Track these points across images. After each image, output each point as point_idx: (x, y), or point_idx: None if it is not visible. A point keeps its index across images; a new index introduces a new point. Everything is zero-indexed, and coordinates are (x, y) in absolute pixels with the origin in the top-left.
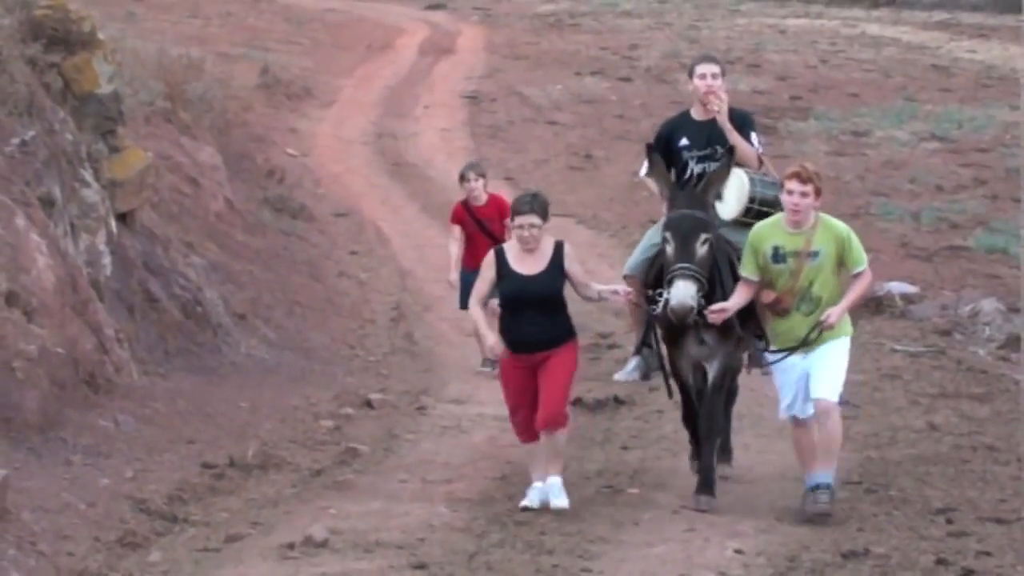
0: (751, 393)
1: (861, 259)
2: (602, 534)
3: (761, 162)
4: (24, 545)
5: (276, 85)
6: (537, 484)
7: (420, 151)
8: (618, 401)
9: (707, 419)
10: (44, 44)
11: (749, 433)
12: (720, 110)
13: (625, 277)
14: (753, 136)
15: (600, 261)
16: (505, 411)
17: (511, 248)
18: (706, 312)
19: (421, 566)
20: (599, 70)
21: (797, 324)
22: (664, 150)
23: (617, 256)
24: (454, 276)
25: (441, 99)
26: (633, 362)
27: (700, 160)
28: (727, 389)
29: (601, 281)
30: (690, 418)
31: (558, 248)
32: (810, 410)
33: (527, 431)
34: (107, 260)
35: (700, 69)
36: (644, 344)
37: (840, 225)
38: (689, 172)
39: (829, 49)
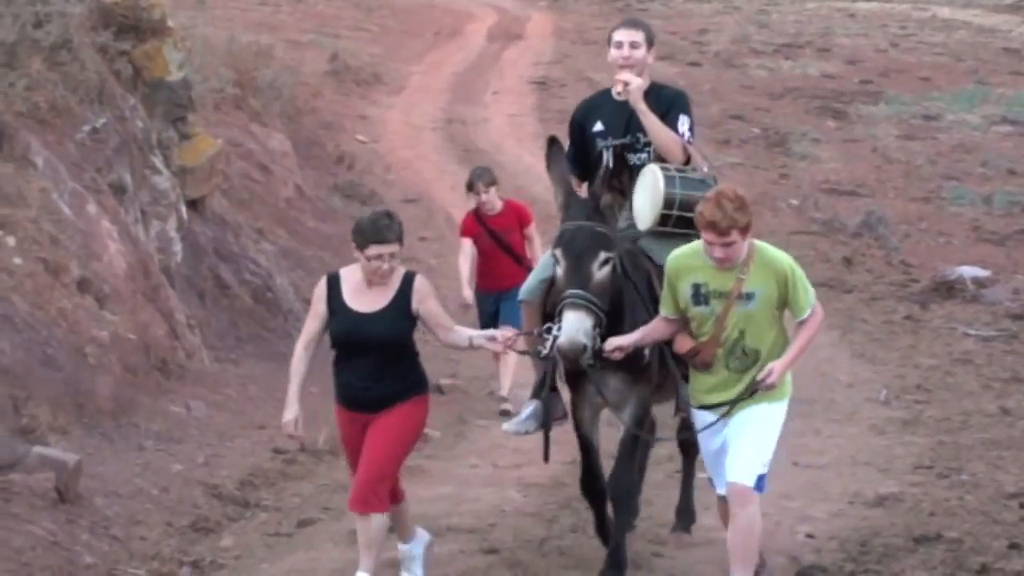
0: (822, 377)
1: (808, 302)
2: (672, 519)
3: (688, 155)
4: (97, 530)
5: (345, 72)
6: (401, 545)
7: (490, 137)
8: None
9: (614, 483)
10: (114, 32)
11: (820, 418)
12: (629, 91)
13: (521, 303)
14: (681, 121)
15: None
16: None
17: (349, 277)
18: (605, 350)
19: (492, 551)
20: (668, 55)
21: (724, 383)
22: (578, 138)
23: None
24: (468, 293)
25: (510, 85)
26: (530, 408)
27: (621, 150)
28: (642, 443)
29: None
30: (590, 484)
31: (406, 281)
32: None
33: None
34: (178, 247)
35: (617, 35)
36: (544, 386)
37: (782, 260)
38: (605, 165)
39: (899, 33)
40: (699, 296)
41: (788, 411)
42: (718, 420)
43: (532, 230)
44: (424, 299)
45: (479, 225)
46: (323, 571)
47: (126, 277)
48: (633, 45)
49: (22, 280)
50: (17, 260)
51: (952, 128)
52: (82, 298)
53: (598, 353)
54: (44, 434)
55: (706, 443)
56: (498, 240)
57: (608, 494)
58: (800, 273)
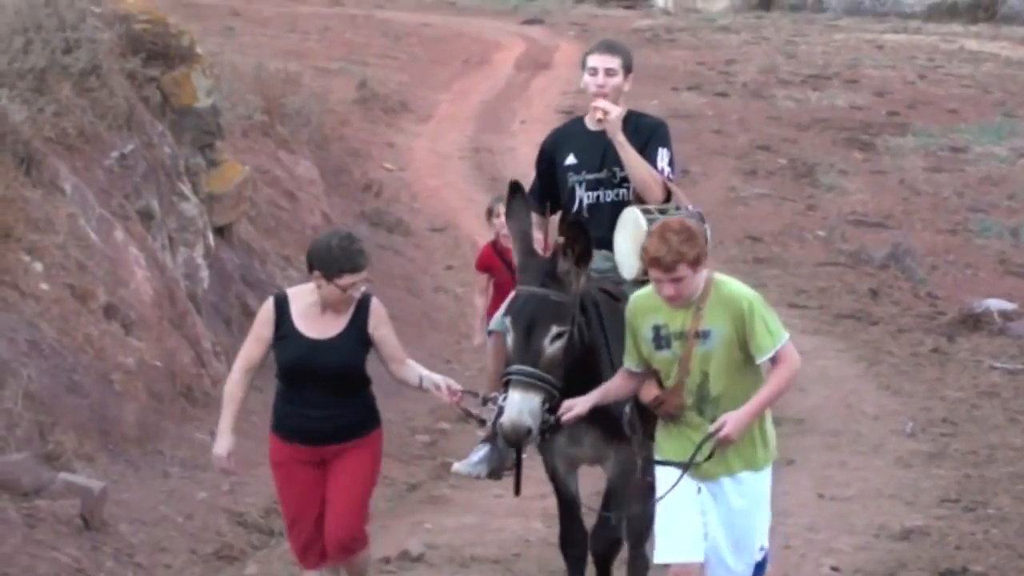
0: (847, 409)
1: (770, 341)
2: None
3: (669, 192)
4: (122, 557)
5: (373, 99)
6: None
7: (517, 166)
8: None
9: (594, 540)
10: (143, 58)
11: (846, 450)
12: (607, 121)
13: (490, 333)
14: (661, 155)
15: None
16: None
17: (299, 299)
18: (562, 420)
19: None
20: (696, 85)
21: (690, 438)
22: (547, 171)
23: (716, 268)
24: (479, 340)
25: (538, 114)
26: (482, 451)
27: (592, 186)
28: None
29: None
30: (571, 540)
31: (362, 304)
32: (697, 556)
33: (309, 552)
34: (205, 273)
35: (592, 61)
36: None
37: (741, 294)
38: (578, 202)
39: (927, 65)
40: (660, 339)
41: (815, 443)
42: (678, 481)
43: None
44: (380, 324)
45: (497, 258)
46: None
47: (153, 304)
48: (609, 72)
49: (49, 306)
50: (44, 286)
51: (979, 160)
52: (109, 324)
53: (554, 426)
54: (69, 460)
55: (669, 503)
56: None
57: (589, 549)
58: (761, 311)
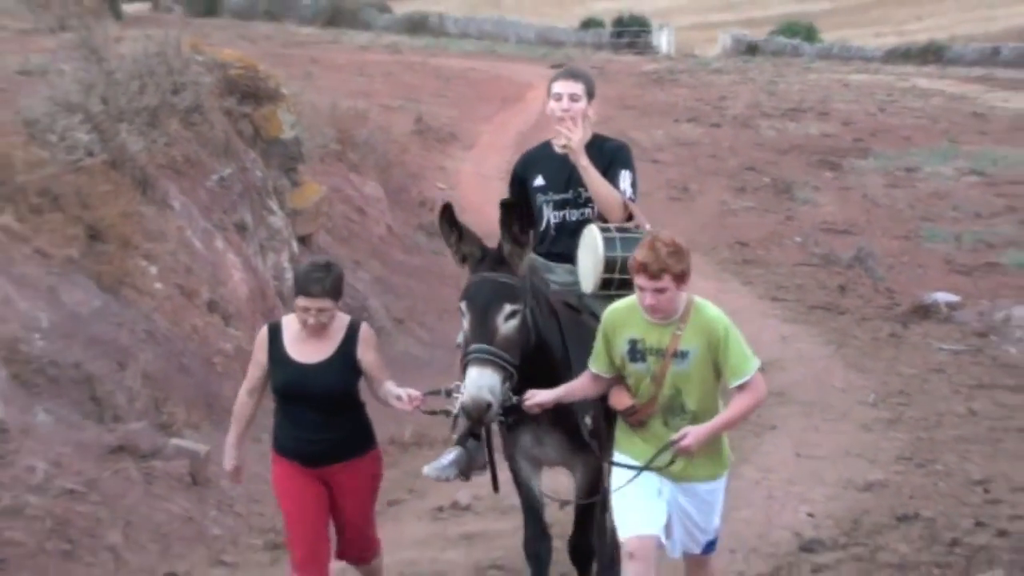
0: (819, 384)
1: (742, 367)
2: None
3: (630, 212)
4: (223, 507)
5: (427, 131)
6: None
7: None
8: None
9: (571, 548)
10: (238, 98)
11: (818, 417)
12: (570, 143)
13: (458, 346)
14: (623, 176)
15: (696, 275)
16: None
17: (290, 325)
18: (522, 403)
19: (549, 526)
20: (693, 118)
21: (656, 445)
22: (518, 192)
23: (710, 271)
24: None
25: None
26: (452, 454)
27: (558, 206)
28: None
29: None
30: (534, 544)
31: (351, 330)
32: (653, 530)
33: (308, 563)
34: (289, 275)
35: (556, 87)
36: (470, 434)
37: (717, 318)
38: (546, 222)
39: (885, 99)
40: (635, 352)
41: (793, 412)
42: (633, 478)
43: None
44: (367, 349)
45: None
46: (408, 540)
47: (247, 300)
48: (573, 97)
49: (162, 302)
50: (158, 285)
51: (928, 179)
52: (211, 317)
53: (513, 408)
54: (180, 429)
55: (634, 491)
56: None
57: (569, 557)
58: (736, 338)
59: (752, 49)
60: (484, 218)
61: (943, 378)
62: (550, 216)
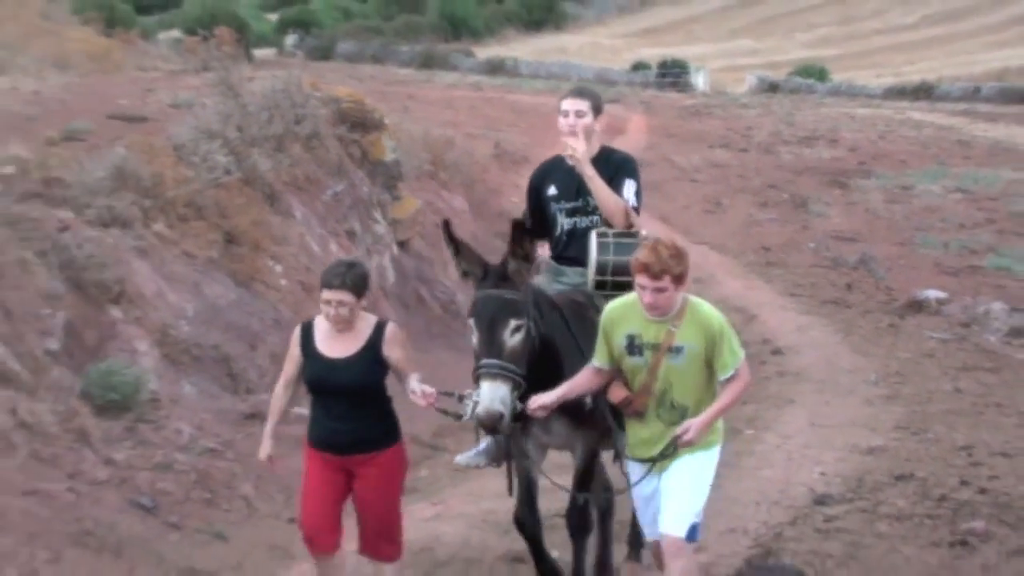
0: (830, 365)
1: (732, 362)
2: (726, 460)
3: (631, 218)
4: None
5: (504, 155)
6: None
7: None
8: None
9: (568, 517)
10: (348, 126)
11: (829, 393)
12: (575, 154)
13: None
14: (627, 185)
15: (727, 275)
16: None
17: (322, 323)
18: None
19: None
20: (725, 144)
21: (657, 434)
22: (535, 201)
23: (739, 271)
24: None
25: None
26: (483, 444)
27: (570, 214)
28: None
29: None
30: (526, 518)
31: (378, 329)
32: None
33: (315, 542)
34: (391, 273)
35: (564, 105)
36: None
37: (714, 317)
38: (559, 228)
39: (885, 129)
40: (633, 347)
41: (808, 388)
42: (646, 475)
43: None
44: (394, 348)
45: None
46: (489, 493)
47: None
48: (579, 113)
49: (286, 295)
50: (283, 281)
51: (921, 195)
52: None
53: (520, 414)
54: (299, 399)
55: (637, 490)
56: None
57: (566, 526)
58: (730, 334)
59: (774, 87)
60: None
61: (933, 361)
62: (563, 223)
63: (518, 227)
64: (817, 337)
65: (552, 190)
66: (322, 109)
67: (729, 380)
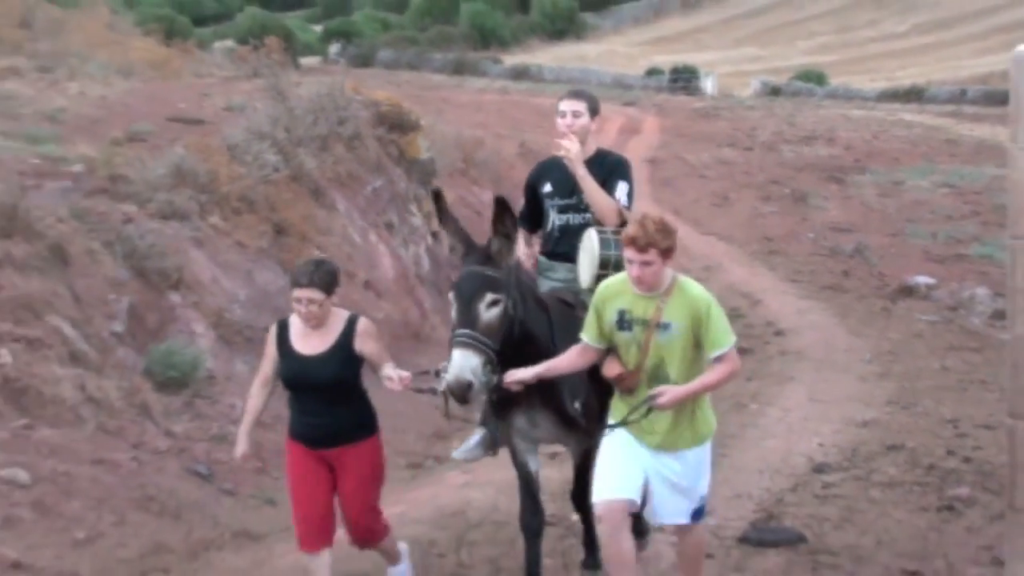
0: (828, 346)
1: (721, 340)
2: (733, 432)
3: (623, 218)
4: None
5: (529, 153)
6: (391, 568)
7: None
8: (743, 351)
9: (574, 496)
10: (387, 128)
11: (828, 371)
12: (569, 154)
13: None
14: (620, 186)
15: (733, 263)
16: None
17: (296, 321)
18: (504, 381)
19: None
20: (731, 143)
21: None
22: (531, 197)
23: (744, 259)
24: None
25: (632, 161)
26: (477, 435)
27: (562, 210)
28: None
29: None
30: (530, 517)
31: (350, 324)
32: (631, 495)
33: (310, 536)
34: (426, 261)
35: (562, 106)
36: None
37: (701, 295)
38: (552, 224)
39: (878, 129)
40: (623, 322)
41: (807, 367)
42: (622, 425)
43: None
44: (366, 342)
45: None
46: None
47: (393, 280)
48: (575, 114)
49: None
50: None
51: (911, 190)
52: (366, 293)
53: (496, 387)
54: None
55: (614, 451)
56: None
57: (573, 505)
58: (718, 314)
59: (776, 91)
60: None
61: (922, 342)
62: (556, 219)
63: (501, 204)
64: (816, 319)
65: (548, 187)
66: (363, 112)
67: (718, 361)
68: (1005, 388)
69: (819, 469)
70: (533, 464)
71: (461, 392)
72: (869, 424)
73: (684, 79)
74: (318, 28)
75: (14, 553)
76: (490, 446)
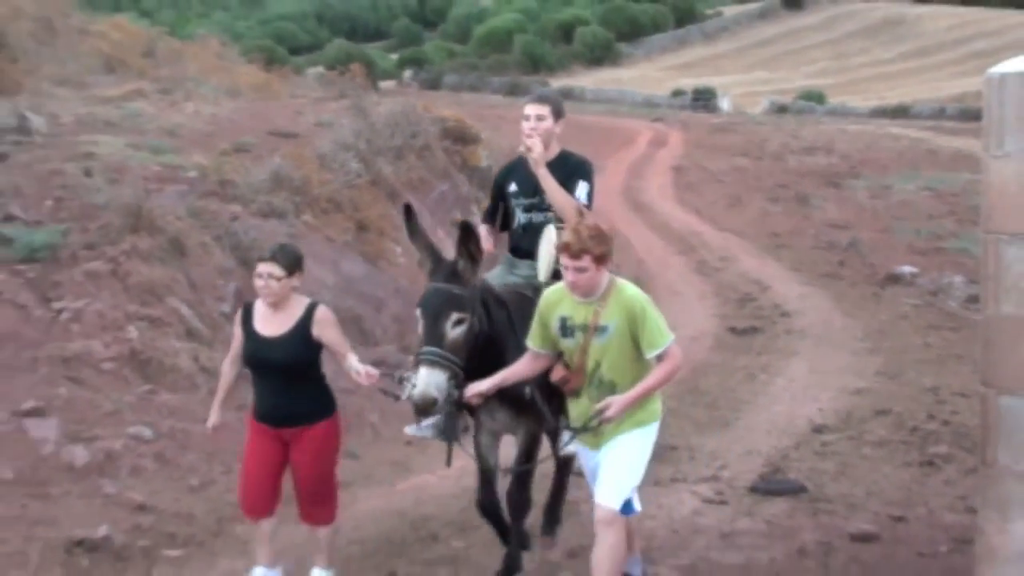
0: (826, 325)
1: (657, 340)
2: (745, 399)
3: (582, 216)
4: None
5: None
6: (257, 570)
7: (648, 196)
8: (754, 329)
9: (510, 503)
10: (452, 140)
11: (825, 347)
12: (530, 154)
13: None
14: (580, 186)
15: (745, 255)
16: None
17: (260, 304)
18: (465, 396)
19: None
20: (744, 153)
21: (587, 411)
22: (498, 196)
23: (755, 252)
24: None
25: (659, 169)
26: (432, 419)
27: (527, 209)
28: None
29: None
30: (486, 504)
31: (309, 310)
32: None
33: (252, 505)
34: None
35: (526, 110)
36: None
37: (636, 297)
38: (516, 222)
39: (870, 141)
40: (565, 328)
41: (808, 344)
42: (569, 441)
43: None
44: (324, 328)
45: None
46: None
47: None
48: (539, 117)
49: (404, 270)
50: (402, 260)
51: (898, 193)
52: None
53: (458, 400)
54: (414, 349)
55: (585, 464)
56: None
57: (507, 507)
58: (653, 314)
59: (782, 109)
60: (611, 214)
61: (907, 322)
62: (520, 217)
63: (465, 228)
64: (815, 303)
65: (513, 187)
66: (432, 127)
67: (659, 360)
68: (978, 361)
69: (818, 430)
70: (492, 459)
71: (426, 407)
72: (861, 392)
73: (704, 99)
74: (394, 56)
75: (140, 497)
76: (443, 431)
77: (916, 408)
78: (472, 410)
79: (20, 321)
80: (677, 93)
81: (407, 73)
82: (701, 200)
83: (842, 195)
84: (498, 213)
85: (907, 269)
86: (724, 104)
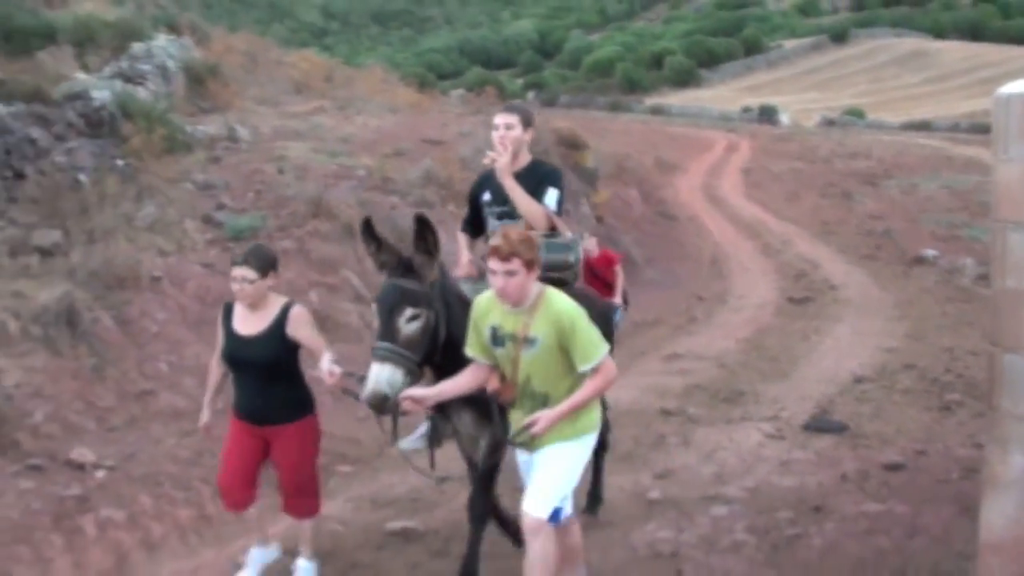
0: (865, 297)
1: (589, 354)
2: (801, 355)
3: (552, 223)
4: None
5: (663, 164)
6: (254, 549)
7: (722, 192)
8: (808, 299)
9: (470, 506)
10: (566, 146)
11: (867, 316)
12: (496, 162)
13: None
14: (550, 193)
15: (801, 240)
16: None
17: (240, 305)
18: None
19: (723, 367)
20: (800, 158)
21: (520, 422)
22: (473, 204)
23: (808, 238)
24: None
25: (732, 170)
26: (423, 427)
27: (499, 217)
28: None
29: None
30: (479, 505)
31: (284, 310)
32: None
33: (232, 500)
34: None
35: (496, 120)
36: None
37: (565, 310)
38: (490, 229)
39: (901, 149)
40: (496, 338)
41: (850, 311)
42: (513, 445)
43: (619, 267)
44: (298, 327)
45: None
46: (652, 371)
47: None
48: (508, 127)
49: None
50: None
51: (923, 191)
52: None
53: (395, 405)
54: None
55: (521, 465)
56: (595, 274)
57: (467, 510)
58: (583, 327)
59: (831, 123)
60: (691, 209)
61: (929, 295)
62: (492, 224)
63: (421, 222)
64: (857, 279)
65: (487, 196)
66: (549, 135)
67: (593, 372)
68: (986, 326)
69: (858, 380)
70: (476, 455)
71: (377, 403)
72: (892, 350)
73: (767, 114)
74: (520, 81)
75: (321, 425)
76: (434, 438)
77: (936, 364)
78: (443, 413)
79: (229, 288)
80: (746, 110)
81: (530, 94)
82: (765, 195)
83: (878, 192)
84: (474, 222)
85: (930, 252)
86: (784, 119)
